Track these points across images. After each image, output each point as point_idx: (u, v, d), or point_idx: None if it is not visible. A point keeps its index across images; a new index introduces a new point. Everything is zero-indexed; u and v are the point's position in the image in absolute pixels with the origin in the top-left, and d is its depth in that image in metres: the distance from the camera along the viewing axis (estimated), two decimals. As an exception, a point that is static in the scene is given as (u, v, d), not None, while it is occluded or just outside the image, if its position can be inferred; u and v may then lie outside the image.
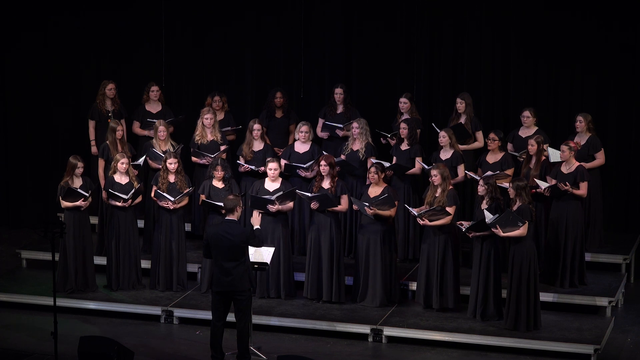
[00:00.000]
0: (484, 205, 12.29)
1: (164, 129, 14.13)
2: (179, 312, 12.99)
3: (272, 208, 12.89)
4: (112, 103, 15.11)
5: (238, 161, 14.10)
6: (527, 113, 13.96)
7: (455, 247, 12.65)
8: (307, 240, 13.18)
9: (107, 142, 14.03)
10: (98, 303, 13.23)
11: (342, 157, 13.97)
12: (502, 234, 11.94)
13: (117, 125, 13.98)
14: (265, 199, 12.84)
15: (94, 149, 15.03)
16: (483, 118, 14.72)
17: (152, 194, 13.35)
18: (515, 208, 12.02)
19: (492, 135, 13.54)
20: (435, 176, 12.58)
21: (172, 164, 13.28)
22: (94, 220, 14.26)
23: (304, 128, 14.03)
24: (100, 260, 13.74)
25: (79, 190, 13.11)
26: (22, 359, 11.77)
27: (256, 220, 11.67)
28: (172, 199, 13.16)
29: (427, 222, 12.54)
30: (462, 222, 12.47)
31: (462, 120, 14.23)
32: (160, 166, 13.53)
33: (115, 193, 13.16)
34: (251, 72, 16.22)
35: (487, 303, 12.36)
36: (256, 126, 14.04)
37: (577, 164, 12.95)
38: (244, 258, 11.22)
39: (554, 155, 13.32)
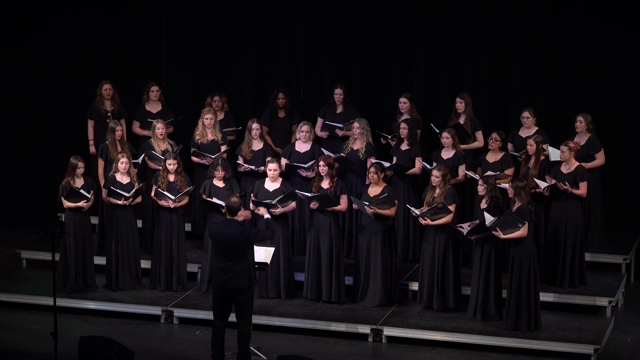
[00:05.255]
0: (483, 205, 12.30)
1: (162, 126, 14.14)
2: (179, 312, 12.99)
3: (275, 212, 12.90)
4: (111, 103, 15.10)
5: (237, 161, 14.10)
6: (526, 113, 13.96)
7: (455, 246, 12.66)
8: (306, 240, 13.18)
9: (107, 142, 14.03)
10: (98, 303, 13.23)
11: (341, 153, 13.98)
12: (502, 236, 11.93)
13: (116, 125, 13.98)
14: (266, 203, 12.84)
15: (92, 149, 15.03)
16: (483, 118, 14.71)
17: (153, 194, 13.36)
18: (514, 208, 12.02)
19: (494, 135, 13.53)
20: (437, 177, 12.58)
21: (171, 164, 13.29)
22: (94, 220, 14.26)
23: (305, 128, 14.04)
24: (100, 260, 13.74)
25: (81, 191, 13.12)
26: (22, 359, 11.77)
27: (263, 210, 11.70)
28: (172, 197, 13.17)
29: (429, 221, 12.54)
30: (462, 225, 12.46)
31: (462, 120, 14.23)
32: (159, 167, 13.55)
33: (117, 191, 13.17)
34: (251, 72, 16.22)
35: (488, 303, 12.36)
36: (255, 125, 14.05)
37: (577, 163, 12.95)
38: (244, 257, 11.23)
39: (554, 154, 13.32)
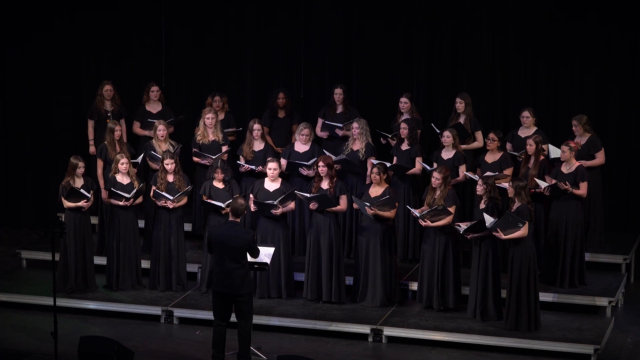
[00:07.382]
0: (481, 205, 12.30)
1: (163, 127, 14.14)
2: (179, 312, 12.99)
3: (277, 212, 12.90)
4: (111, 103, 15.10)
5: (238, 161, 14.11)
6: (526, 113, 13.96)
7: (455, 247, 12.65)
8: (306, 240, 13.17)
9: (106, 142, 14.03)
10: (98, 303, 13.23)
11: (343, 155, 13.97)
12: (503, 236, 11.92)
13: (115, 125, 13.98)
14: (268, 204, 12.84)
15: (92, 149, 15.04)
16: (483, 118, 14.71)
17: (151, 194, 13.35)
18: (514, 208, 12.02)
19: (491, 135, 13.54)
20: (437, 179, 12.57)
21: (169, 164, 13.29)
22: (94, 220, 14.26)
23: (305, 131, 14.03)
24: (100, 260, 13.74)
25: (81, 190, 13.12)
26: (22, 359, 11.77)
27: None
28: (171, 197, 13.17)
29: (429, 223, 12.53)
30: (460, 224, 12.46)
31: (462, 120, 14.23)
32: (159, 167, 13.55)
33: (118, 192, 13.17)
34: (251, 73, 16.22)
35: (487, 303, 12.36)
36: (256, 126, 14.05)
37: (578, 163, 12.95)
38: (244, 260, 11.23)
39: (554, 152, 13.33)
